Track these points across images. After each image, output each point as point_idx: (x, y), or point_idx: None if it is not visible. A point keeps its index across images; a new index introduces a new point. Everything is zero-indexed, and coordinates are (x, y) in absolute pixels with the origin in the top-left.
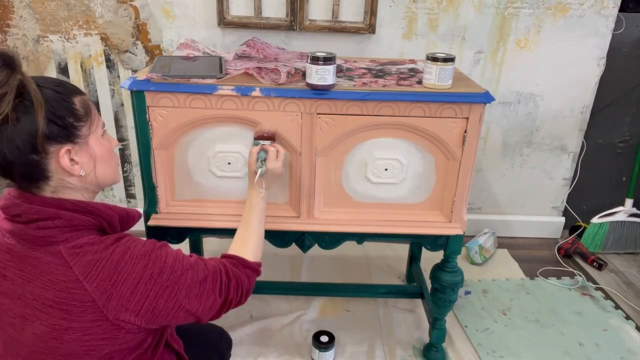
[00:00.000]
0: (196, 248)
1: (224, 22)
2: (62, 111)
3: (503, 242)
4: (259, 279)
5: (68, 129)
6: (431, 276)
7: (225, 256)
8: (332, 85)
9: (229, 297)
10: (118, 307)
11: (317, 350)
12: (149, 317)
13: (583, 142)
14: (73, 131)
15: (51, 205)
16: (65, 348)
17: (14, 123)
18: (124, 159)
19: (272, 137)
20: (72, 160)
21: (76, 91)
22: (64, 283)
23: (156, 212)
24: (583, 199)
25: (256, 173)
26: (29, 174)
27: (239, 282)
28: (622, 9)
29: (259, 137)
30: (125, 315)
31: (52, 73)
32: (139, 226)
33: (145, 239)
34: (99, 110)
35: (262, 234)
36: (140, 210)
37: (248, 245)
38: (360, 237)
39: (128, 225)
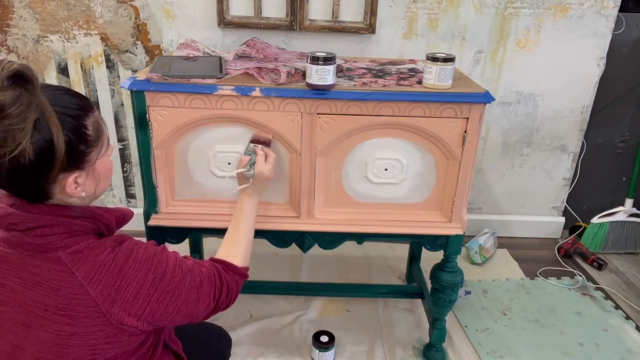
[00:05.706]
0: (196, 248)
1: (224, 22)
2: (76, 141)
3: (503, 242)
4: (259, 279)
5: (78, 158)
6: (431, 276)
7: (216, 260)
8: (332, 85)
9: (220, 301)
10: (121, 312)
11: (317, 350)
12: (150, 320)
13: (583, 142)
14: (83, 158)
15: (48, 213)
16: (70, 353)
17: (30, 157)
18: (124, 159)
19: (267, 144)
20: (76, 183)
21: (89, 109)
22: (67, 289)
23: (156, 212)
24: (583, 199)
25: (243, 175)
26: (32, 195)
27: (230, 287)
28: (622, 9)
29: (254, 141)
30: (127, 319)
31: (52, 73)
32: (139, 226)
33: (145, 241)
34: (98, 110)
35: (251, 238)
36: (140, 210)
37: (237, 250)
38: (360, 237)
39: (122, 225)
